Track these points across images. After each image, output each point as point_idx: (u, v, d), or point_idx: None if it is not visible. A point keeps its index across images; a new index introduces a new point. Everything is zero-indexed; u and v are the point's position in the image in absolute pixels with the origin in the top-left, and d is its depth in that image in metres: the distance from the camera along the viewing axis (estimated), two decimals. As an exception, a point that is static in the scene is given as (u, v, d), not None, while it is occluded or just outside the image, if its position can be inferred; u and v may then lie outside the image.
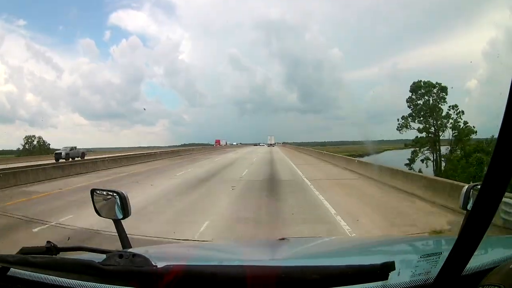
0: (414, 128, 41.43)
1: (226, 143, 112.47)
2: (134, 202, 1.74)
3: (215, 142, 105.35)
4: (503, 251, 1.16)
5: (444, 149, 39.91)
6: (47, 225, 6.33)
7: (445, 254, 0.66)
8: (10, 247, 3.38)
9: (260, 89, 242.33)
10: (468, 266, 0.65)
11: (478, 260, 0.89)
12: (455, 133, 38.62)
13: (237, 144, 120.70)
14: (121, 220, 1.36)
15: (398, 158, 40.73)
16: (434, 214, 6.84)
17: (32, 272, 0.83)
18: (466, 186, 1.29)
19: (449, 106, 39.93)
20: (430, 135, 40.78)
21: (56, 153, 28.87)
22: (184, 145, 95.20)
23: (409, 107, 42.01)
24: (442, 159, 39.09)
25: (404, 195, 9.03)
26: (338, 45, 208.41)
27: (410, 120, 41.51)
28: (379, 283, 0.72)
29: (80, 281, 0.84)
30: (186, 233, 5.64)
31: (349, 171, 15.78)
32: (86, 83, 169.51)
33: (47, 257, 0.83)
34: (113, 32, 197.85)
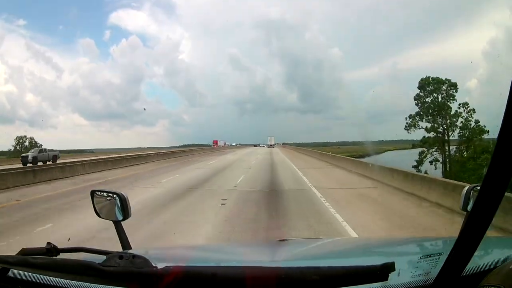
0: (422, 128, 39.26)
1: (225, 144, 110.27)
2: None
3: (213, 143, 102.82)
4: (503, 251, 1.15)
5: (453, 150, 37.78)
6: None
7: (445, 254, 0.66)
8: None
9: (260, 89, 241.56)
10: (468, 266, 0.65)
11: (478, 260, 0.89)
12: (460, 133, 36.51)
13: (236, 144, 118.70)
14: (121, 222, 1.36)
15: (399, 159, 38.85)
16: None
17: (32, 273, 0.82)
18: (467, 187, 1.25)
19: (459, 104, 37.77)
20: (438, 135, 38.54)
21: (22, 156, 26.21)
22: (185, 145, 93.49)
23: (416, 104, 39.80)
24: (454, 160, 36.80)
25: (450, 216, 6.67)
26: (338, 44, 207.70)
27: (418, 119, 39.26)
28: (379, 284, 0.71)
29: (80, 282, 0.83)
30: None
31: (361, 176, 13.66)
32: (86, 83, 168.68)
33: (47, 258, 0.85)
34: (113, 32, 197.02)
